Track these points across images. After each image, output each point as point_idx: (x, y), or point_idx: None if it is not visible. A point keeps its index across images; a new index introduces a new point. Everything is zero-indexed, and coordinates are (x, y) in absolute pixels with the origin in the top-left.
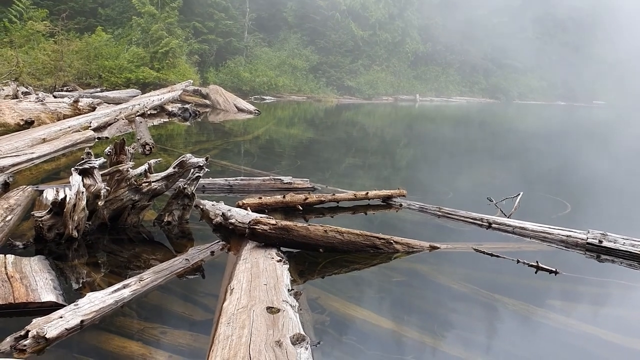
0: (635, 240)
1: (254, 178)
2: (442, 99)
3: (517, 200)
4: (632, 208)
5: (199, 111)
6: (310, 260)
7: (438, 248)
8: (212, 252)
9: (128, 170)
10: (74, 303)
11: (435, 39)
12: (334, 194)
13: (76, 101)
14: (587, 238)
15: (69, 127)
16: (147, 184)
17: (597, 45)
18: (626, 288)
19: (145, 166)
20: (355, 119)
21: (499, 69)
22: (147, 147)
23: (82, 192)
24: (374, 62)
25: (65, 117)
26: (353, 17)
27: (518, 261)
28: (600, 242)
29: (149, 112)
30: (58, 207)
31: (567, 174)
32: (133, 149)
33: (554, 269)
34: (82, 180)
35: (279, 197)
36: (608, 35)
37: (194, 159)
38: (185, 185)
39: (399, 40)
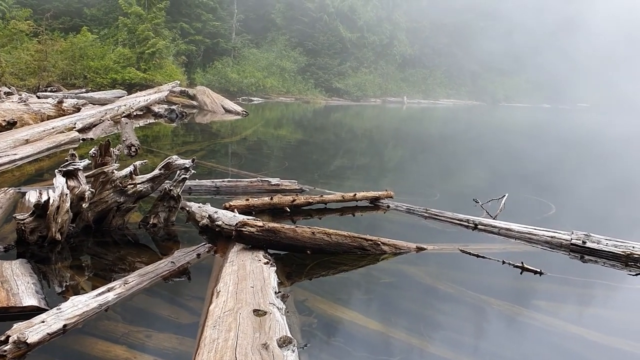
0: (617, 241)
1: (241, 180)
2: (430, 101)
3: (503, 202)
4: (614, 209)
5: (185, 112)
6: (297, 262)
7: (425, 249)
8: (199, 255)
9: (113, 172)
10: (57, 307)
11: (423, 42)
12: (321, 196)
13: (60, 102)
14: (571, 239)
15: (53, 128)
16: (132, 185)
17: (582, 49)
18: (609, 288)
19: (131, 168)
20: (344, 121)
21: (486, 71)
22: (133, 149)
23: (66, 194)
24: (362, 64)
25: (49, 118)
26: (341, 19)
27: (503, 262)
28: (584, 242)
29: (135, 113)
30: (41, 209)
31: (551, 176)
32: (118, 150)
33: (538, 270)
34: (66, 182)
35: (266, 199)
36: (593, 39)
37: (180, 161)
38: (171, 187)
39: (386, 43)
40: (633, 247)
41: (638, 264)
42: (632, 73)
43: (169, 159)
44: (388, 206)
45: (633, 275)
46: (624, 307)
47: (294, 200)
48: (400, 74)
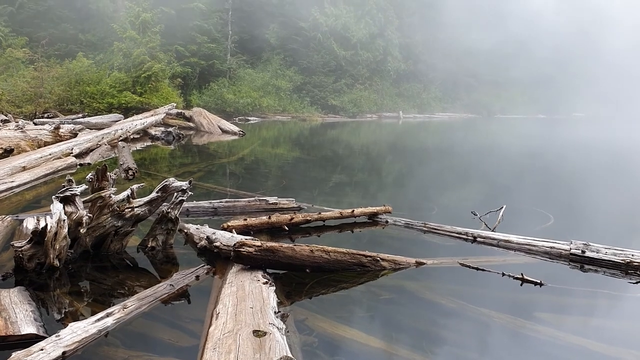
0: (617, 250)
1: (239, 200)
2: (425, 116)
3: (501, 214)
4: (612, 218)
5: (182, 134)
6: (297, 281)
7: (424, 264)
8: (197, 277)
9: (110, 197)
10: (56, 334)
11: (417, 57)
12: (320, 213)
13: (57, 128)
14: (571, 249)
15: (50, 155)
16: (129, 209)
17: (577, 60)
18: (610, 297)
19: (128, 191)
20: (340, 137)
21: (480, 84)
22: (130, 172)
23: (64, 220)
24: (357, 81)
25: (46, 144)
26: (335, 37)
27: (503, 274)
28: (583, 252)
29: (132, 137)
30: (39, 236)
31: (547, 186)
32: (115, 174)
33: (539, 281)
34: (64, 208)
35: (264, 218)
36: (588, 50)
37: (177, 183)
38: (169, 210)
39: (380, 59)
40: (632, 255)
41: (638, 272)
42: (629, 84)
43: (166, 181)
44: (386, 221)
45: (633, 283)
46: (625, 316)
47: (292, 218)
48: (395, 89)
